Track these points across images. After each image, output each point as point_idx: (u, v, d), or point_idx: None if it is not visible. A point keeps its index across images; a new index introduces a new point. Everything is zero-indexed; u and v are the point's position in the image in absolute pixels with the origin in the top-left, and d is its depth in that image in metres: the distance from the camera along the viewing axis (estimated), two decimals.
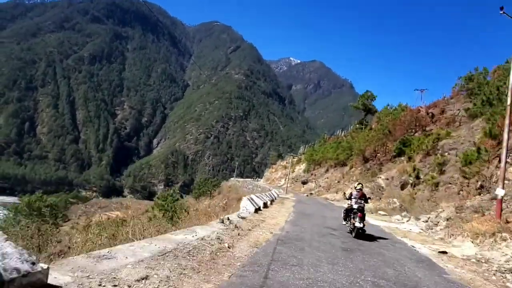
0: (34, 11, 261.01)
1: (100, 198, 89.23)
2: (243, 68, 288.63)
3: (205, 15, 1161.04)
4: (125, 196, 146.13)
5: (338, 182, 39.91)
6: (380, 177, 27.41)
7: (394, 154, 28.75)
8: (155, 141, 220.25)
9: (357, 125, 54.87)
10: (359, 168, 36.09)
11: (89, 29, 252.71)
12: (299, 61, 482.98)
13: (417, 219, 17.03)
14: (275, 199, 23.95)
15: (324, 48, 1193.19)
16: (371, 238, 11.47)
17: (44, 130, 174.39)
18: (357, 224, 11.04)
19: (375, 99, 54.34)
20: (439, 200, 17.51)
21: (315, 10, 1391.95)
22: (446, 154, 21.23)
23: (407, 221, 17.54)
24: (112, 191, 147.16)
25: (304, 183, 52.53)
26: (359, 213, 11.16)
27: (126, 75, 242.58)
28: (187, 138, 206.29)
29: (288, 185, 53.72)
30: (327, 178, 44.75)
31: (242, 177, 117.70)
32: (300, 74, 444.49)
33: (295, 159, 68.67)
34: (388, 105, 45.28)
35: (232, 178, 77.24)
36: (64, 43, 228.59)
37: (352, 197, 12.11)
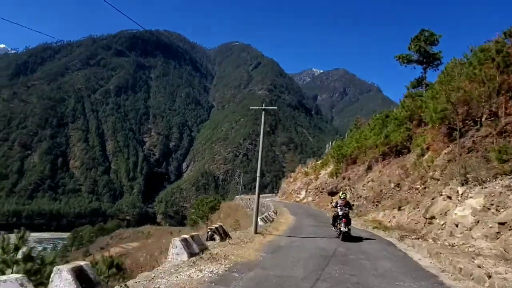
0: (62, 52, 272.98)
1: (125, 228, 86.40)
2: (266, 84, 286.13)
3: (223, 37, 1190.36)
4: (158, 223, 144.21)
5: (397, 186, 21.16)
6: None
7: None
8: (184, 164, 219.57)
9: (411, 88, 29.11)
10: (444, 152, 17.00)
11: (113, 63, 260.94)
12: (322, 71, 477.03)
13: None
14: None
15: (346, 55, 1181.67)
16: (357, 239, 12.83)
17: (77, 164, 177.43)
18: (343, 229, 12.64)
19: (438, 42, 28.49)
20: None
21: (331, 18, 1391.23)
22: None
23: None
24: (145, 219, 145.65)
25: (332, 193, 33.89)
26: (343, 219, 12.71)
27: (151, 102, 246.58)
28: (216, 159, 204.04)
29: (311, 198, 41.21)
30: (372, 181, 26.45)
31: (274, 193, 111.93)
32: (325, 84, 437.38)
33: (319, 162, 53.52)
34: (454, 58, 18.96)
35: (237, 196, 64.94)
36: (91, 79, 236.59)
37: (338, 205, 13.41)
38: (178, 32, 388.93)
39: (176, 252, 8.82)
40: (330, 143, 67.86)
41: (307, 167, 57.12)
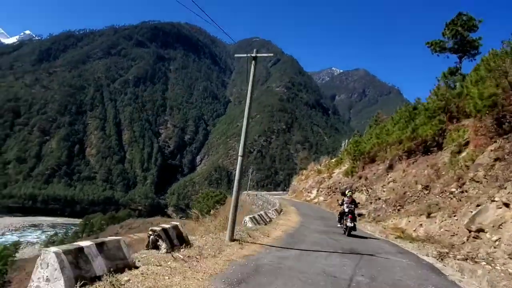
0: (84, 40, 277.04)
1: (136, 218, 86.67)
2: (284, 81, 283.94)
3: (244, 32, 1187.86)
4: (169, 215, 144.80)
5: (426, 188, 17.67)
6: None
7: None
8: (198, 158, 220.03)
9: (441, 81, 23.84)
10: (490, 149, 13.47)
11: (133, 53, 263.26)
12: (341, 71, 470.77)
13: None
14: None
15: (367, 55, 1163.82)
16: (361, 236, 13.98)
17: (93, 151, 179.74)
18: (349, 224, 13.75)
19: (477, 29, 24.32)
20: None
21: (353, 17, 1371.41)
22: None
23: None
24: (156, 210, 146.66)
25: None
26: (349, 215, 13.83)
27: (169, 94, 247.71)
28: (230, 154, 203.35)
29: (323, 198, 38.50)
30: (394, 181, 22.96)
31: (286, 191, 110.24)
32: (344, 84, 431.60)
33: (333, 159, 49.85)
34: (493, 49, 14.94)
35: (244, 192, 59.33)
36: (111, 68, 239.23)
37: (344, 202, 14.41)
38: (199, 26, 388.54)
39: (45, 275, 4.41)
40: (346, 140, 61.58)
41: (320, 165, 53.10)
